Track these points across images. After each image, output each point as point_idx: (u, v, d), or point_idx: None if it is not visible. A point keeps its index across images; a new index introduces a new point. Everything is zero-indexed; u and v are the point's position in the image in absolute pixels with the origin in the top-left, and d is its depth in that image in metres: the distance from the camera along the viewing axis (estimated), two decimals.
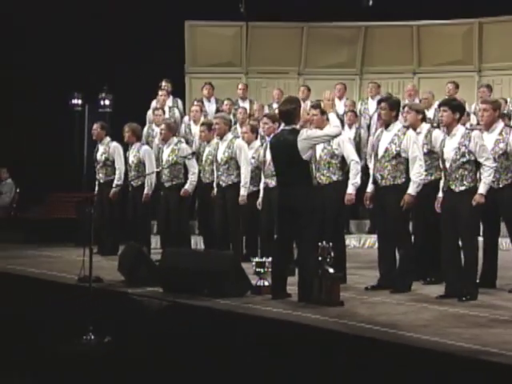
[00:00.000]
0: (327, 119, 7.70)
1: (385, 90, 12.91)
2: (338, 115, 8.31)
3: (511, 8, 12.96)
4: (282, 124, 7.54)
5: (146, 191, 10.00)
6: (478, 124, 8.96)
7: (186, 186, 9.71)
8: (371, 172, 7.89)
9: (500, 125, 7.67)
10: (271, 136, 8.11)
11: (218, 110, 12.38)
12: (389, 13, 13.30)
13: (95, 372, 6.72)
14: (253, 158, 9.37)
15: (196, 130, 11.28)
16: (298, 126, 7.31)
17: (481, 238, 7.64)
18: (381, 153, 7.60)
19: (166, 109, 12.19)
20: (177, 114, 12.33)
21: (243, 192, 9.23)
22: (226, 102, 12.31)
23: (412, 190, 7.40)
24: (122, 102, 13.17)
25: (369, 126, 12.02)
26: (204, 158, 9.95)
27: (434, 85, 13.07)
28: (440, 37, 14.01)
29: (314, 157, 7.96)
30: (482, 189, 7.05)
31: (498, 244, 7.92)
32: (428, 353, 5.26)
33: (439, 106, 7.69)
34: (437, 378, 5.08)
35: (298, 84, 13.77)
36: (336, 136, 7.44)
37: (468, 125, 9.92)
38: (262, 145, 9.35)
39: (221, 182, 9.37)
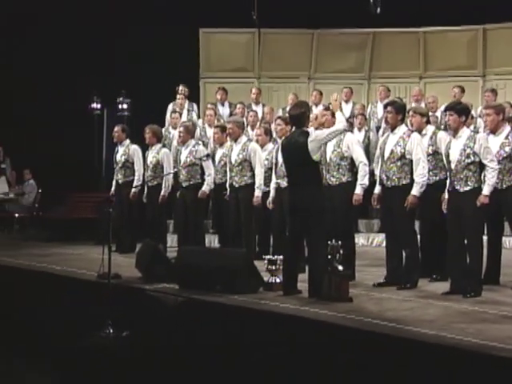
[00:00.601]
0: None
1: (393, 95, 12.88)
2: (347, 120, 8.30)
3: None
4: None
5: (162, 192, 10.02)
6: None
7: (204, 188, 9.68)
8: (377, 173, 7.89)
9: (507, 128, 7.66)
10: (283, 138, 8.13)
11: (231, 114, 12.41)
12: (396, 20, 13.26)
13: (113, 364, 6.75)
14: (266, 159, 9.31)
15: (210, 132, 11.31)
16: (309, 129, 7.33)
17: (485, 237, 7.62)
18: (387, 155, 7.61)
19: (184, 112, 12.23)
20: (194, 116, 12.37)
21: (258, 193, 9.19)
22: (238, 106, 12.32)
23: (415, 190, 7.40)
24: (139, 106, 13.21)
25: (378, 129, 11.98)
26: (218, 160, 9.96)
27: (439, 89, 13.04)
28: (445, 43, 13.96)
29: (323, 158, 7.97)
30: (486, 190, 7.04)
31: (502, 242, 7.91)
32: (434, 347, 5.27)
33: (445, 110, 7.68)
34: (442, 371, 5.07)
35: (309, 88, 13.77)
36: (341, 131, 7.46)
37: (472, 127, 9.89)
38: (274, 147, 9.35)
39: (234, 183, 9.35)
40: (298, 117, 7.25)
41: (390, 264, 7.68)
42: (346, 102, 12.59)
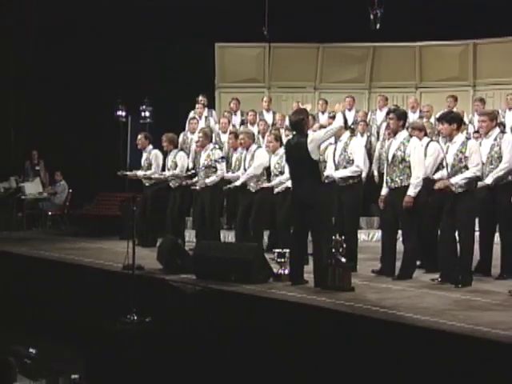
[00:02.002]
0: (345, 128, 7.75)
1: (390, 103, 12.87)
2: (346, 121, 8.28)
3: (502, 31, 12.93)
4: None
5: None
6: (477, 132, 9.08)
7: (211, 178, 9.62)
8: (376, 174, 7.93)
9: (496, 131, 7.70)
10: (285, 140, 8.16)
11: (242, 122, 12.47)
12: (394, 35, 13.26)
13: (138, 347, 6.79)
14: (277, 163, 9.12)
15: (224, 138, 11.51)
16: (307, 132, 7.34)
17: (477, 233, 7.63)
18: (390, 159, 7.63)
19: (203, 118, 12.30)
20: (212, 122, 12.41)
21: (237, 183, 9.25)
22: (250, 113, 12.37)
23: (410, 191, 7.40)
24: (160, 113, 13.24)
25: (378, 133, 12.01)
26: (233, 164, 9.95)
27: (433, 98, 13.01)
28: (439, 56, 13.93)
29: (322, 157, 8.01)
30: (456, 179, 7.04)
31: (495, 237, 7.87)
32: (428, 331, 5.28)
33: (438, 120, 7.69)
34: (436, 353, 5.09)
35: (315, 97, 13.75)
36: (337, 129, 7.49)
37: (465, 133, 9.89)
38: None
39: (250, 188, 9.29)
40: (297, 122, 7.31)
41: (385, 258, 7.71)
42: (349, 109, 12.57)
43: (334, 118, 7.99)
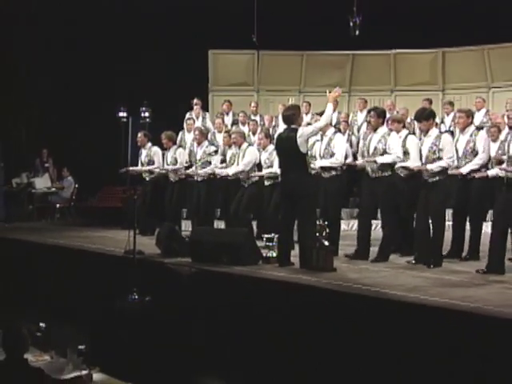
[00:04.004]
0: (330, 124, 7.74)
1: (369, 106, 12.83)
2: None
3: (467, 40, 13.01)
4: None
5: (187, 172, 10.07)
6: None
7: (205, 169, 9.69)
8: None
9: (472, 128, 7.71)
10: (276, 133, 8.14)
11: (233, 122, 12.43)
12: (371, 43, 13.29)
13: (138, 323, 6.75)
14: (267, 158, 9.15)
15: (219, 137, 11.44)
16: (297, 126, 7.29)
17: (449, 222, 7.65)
18: (371, 151, 7.61)
19: (200, 119, 12.25)
20: (208, 123, 12.38)
21: (223, 172, 9.34)
22: (241, 114, 12.31)
23: (382, 159, 7.41)
24: (159, 114, 13.17)
25: (359, 131, 12.02)
26: (228, 160, 9.89)
27: (407, 101, 13.00)
28: (411, 63, 13.95)
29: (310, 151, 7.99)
30: (431, 166, 7.05)
31: (466, 225, 7.81)
32: (404, 305, 5.28)
33: (416, 119, 7.68)
34: (411, 325, 5.08)
35: (299, 100, 13.70)
36: (324, 125, 7.47)
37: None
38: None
39: (243, 183, 9.27)
40: (289, 116, 7.29)
41: (360, 239, 7.68)
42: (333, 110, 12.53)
43: (321, 114, 7.96)
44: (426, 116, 7.27)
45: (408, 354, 4.96)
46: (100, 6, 13.39)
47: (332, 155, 8.07)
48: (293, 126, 7.21)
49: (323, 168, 8.09)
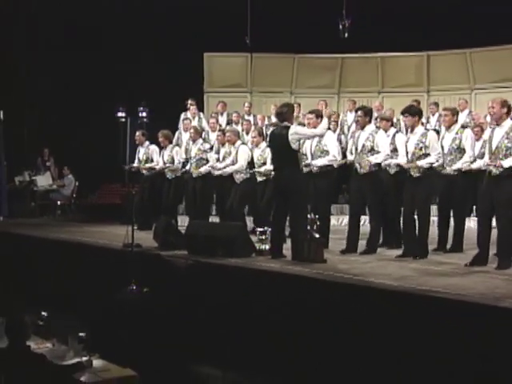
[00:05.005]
0: (320, 121, 7.71)
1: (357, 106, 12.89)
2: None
3: (451, 44, 13.05)
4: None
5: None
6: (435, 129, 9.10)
7: (203, 168, 9.72)
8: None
9: (457, 126, 7.68)
10: (270, 130, 8.14)
11: (228, 122, 12.42)
12: (359, 47, 13.33)
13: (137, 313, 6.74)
14: (260, 155, 9.14)
15: (212, 136, 11.39)
16: (290, 124, 7.28)
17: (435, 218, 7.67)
18: (359, 148, 7.62)
19: (196, 118, 12.24)
20: (204, 122, 12.37)
21: (223, 171, 9.28)
22: (235, 114, 12.32)
23: (373, 158, 7.42)
24: (156, 114, 13.16)
25: (348, 131, 12.03)
26: (221, 157, 9.89)
27: (394, 102, 12.99)
28: (398, 65, 13.99)
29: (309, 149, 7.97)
30: (421, 162, 7.05)
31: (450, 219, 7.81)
32: (390, 293, 5.30)
33: (402, 113, 7.68)
34: (398, 311, 5.10)
35: (291, 101, 13.69)
36: (319, 135, 7.49)
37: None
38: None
39: (236, 180, 9.27)
40: (282, 113, 7.26)
41: (350, 235, 7.67)
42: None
43: (313, 113, 7.92)
44: (412, 112, 7.28)
45: (396, 339, 4.98)
46: (100, 6, 13.35)
47: (323, 152, 8.06)
48: (285, 124, 7.20)
49: (320, 165, 8.06)
